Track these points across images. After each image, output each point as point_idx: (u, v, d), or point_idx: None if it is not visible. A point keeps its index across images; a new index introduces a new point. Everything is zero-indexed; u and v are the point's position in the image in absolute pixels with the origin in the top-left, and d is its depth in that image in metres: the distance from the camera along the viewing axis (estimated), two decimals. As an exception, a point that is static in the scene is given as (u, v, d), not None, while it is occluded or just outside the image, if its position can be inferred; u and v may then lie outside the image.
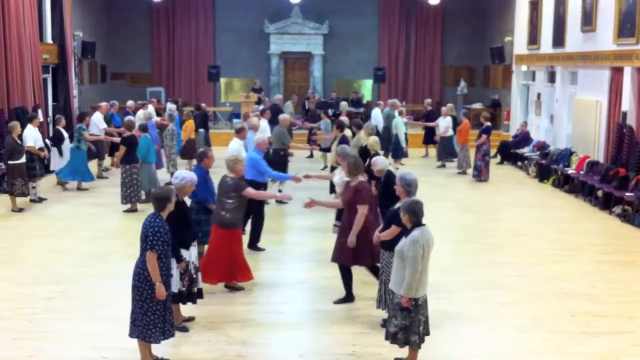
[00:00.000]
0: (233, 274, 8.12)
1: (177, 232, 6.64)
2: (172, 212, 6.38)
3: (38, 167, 13.16)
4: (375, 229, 7.68)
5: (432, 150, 19.76)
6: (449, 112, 18.12)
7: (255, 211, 9.84)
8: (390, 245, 6.70)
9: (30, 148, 12.88)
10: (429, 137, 19.32)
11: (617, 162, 13.76)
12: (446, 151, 18.01)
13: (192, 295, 7.14)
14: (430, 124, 18.86)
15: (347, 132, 12.96)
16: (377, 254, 7.58)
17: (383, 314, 7.10)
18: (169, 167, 15.52)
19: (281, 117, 14.10)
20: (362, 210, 7.50)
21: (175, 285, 6.84)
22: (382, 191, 8.32)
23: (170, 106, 18.34)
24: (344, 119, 13.60)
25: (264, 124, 14.59)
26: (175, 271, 6.77)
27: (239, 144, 11.10)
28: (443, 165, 18.05)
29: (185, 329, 7.02)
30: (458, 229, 11.70)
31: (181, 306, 7.15)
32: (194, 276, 7.13)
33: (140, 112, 17.87)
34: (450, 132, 17.83)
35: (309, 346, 6.78)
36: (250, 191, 8.11)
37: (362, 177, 7.96)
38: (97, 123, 15.87)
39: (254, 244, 10.00)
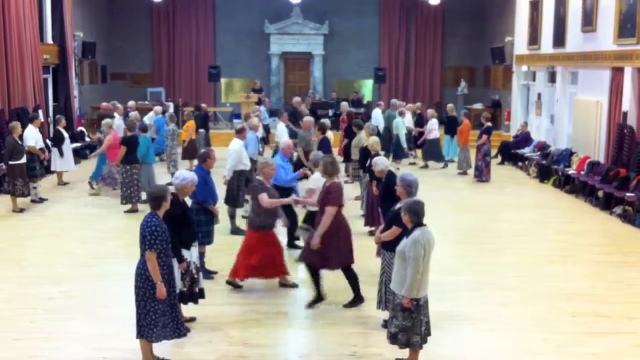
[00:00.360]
0: (260, 271, 8.17)
1: (177, 232, 6.65)
2: (173, 212, 6.41)
3: (38, 167, 13.16)
4: (346, 231, 7.61)
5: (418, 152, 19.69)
6: (433, 115, 18.06)
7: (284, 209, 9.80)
8: (391, 245, 6.69)
9: (30, 148, 12.89)
10: (416, 140, 19.34)
11: (618, 162, 13.76)
12: (431, 152, 17.98)
13: (193, 295, 7.13)
14: (422, 129, 18.76)
15: (329, 134, 12.96)
16: (347, 255, 7.56)
17: (384, 314, 7.11)
18: (169, 167, 15.52)
19: (305, 119, 13.95)
20: (330, 211, 7.40)
21: (177, 285, 6.83)
22: (383, 192, 8.32)
23: (157, 108, 18.31)
24: (325, 121, 13.52)
25: (281, 127, 14.47)
26: (176, 271, 6.76)
27: (240, 144, 11.10)
28: (426, 166, 18.01)
29: (187, 329, 7.01)
30: (459, 230, 11.70)
31: (182, 306, 7.15)
32: (195, 276, 7.12)
33: (152, 113, 18.01)
34: (436, 134, 17.74)
35: (310, 346, 6.79)
36: (263, 199, 8.01)
37: (337, 179, 7.82)
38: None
39: (291, 242, 10.02)
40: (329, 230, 7.41)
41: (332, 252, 7.49)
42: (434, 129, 17.76)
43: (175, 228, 6.57)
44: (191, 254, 7.05)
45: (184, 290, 6.99)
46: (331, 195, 7.48)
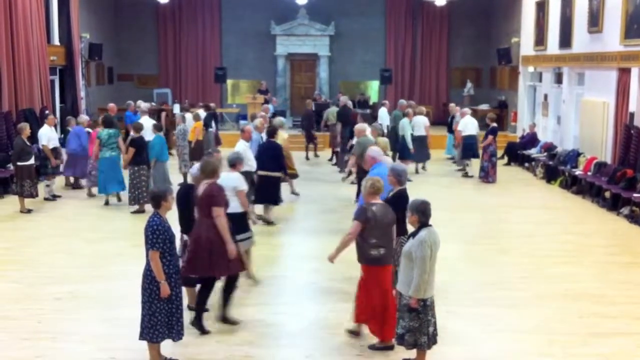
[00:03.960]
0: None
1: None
2: (192, 201, 7.08)
3: (50, 167, 13.29)
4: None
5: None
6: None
7: None
8: None
9: (44, 147, 13.01)
10: None
11: (625, 163, 13.73)
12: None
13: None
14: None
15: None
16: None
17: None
18: (181, 166, 15.52)
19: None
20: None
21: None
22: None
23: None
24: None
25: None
26: None
27: (245, 145, 11.10)
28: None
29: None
30: (465, 230, 11.68)
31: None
32: None
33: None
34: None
35: (316, 347, 6.79)
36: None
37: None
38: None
39: None
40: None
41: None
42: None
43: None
44: None
45: None
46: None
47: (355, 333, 6.95)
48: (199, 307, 7.11)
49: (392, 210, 6.69)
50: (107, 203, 13.08)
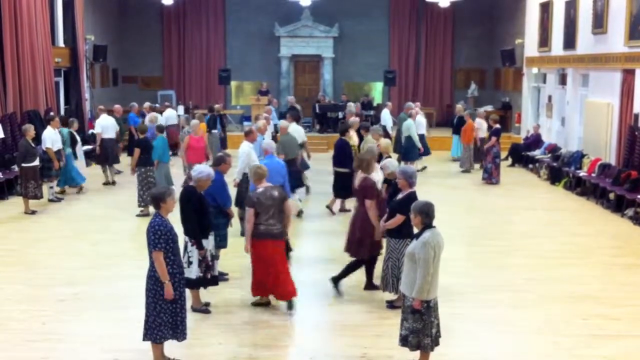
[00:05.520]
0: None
1: (197, 222, 7.28)
2: (192, 203, 7.13)
3: (54, 169, 13.32)
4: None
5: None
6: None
7: None
8: (395, 232, 7.49)
9: (48, 150, 13.05)
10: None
11: (629, 164, 13.70)
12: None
13: (207, 280, 7.62)
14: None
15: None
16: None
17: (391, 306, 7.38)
18: (185, 168, 15.51)
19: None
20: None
21: (195, 272, 7.42)
22: (392, 194, 8.31)
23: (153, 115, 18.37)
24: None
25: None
26: (194, 258, 7.41)
27: (249, 146, 11.10)
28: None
29: (208, 311, 7.56)
30: (469, 232, 11.68)
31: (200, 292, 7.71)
32: (210, 263, 7.62)
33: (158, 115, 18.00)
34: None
35: (320, 349, 6.79)
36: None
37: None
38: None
39: None
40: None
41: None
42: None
43: (196, 218, 7.28)
44: (209, 242, 7.59)
45: (200, 275, 7.48)
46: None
47: (261, 304, 7.78)
48: (344, 275, 8.21)
49: (279, 188, 7.71)
50: (63, 192, 14.26)
